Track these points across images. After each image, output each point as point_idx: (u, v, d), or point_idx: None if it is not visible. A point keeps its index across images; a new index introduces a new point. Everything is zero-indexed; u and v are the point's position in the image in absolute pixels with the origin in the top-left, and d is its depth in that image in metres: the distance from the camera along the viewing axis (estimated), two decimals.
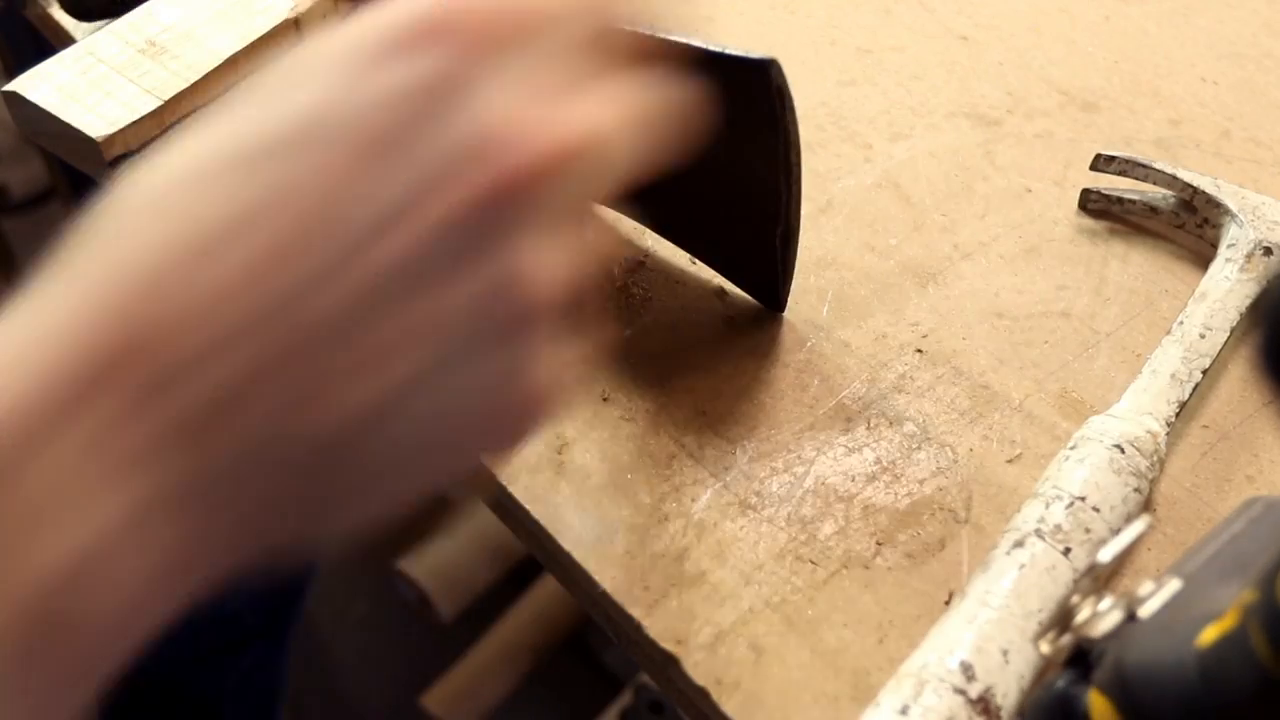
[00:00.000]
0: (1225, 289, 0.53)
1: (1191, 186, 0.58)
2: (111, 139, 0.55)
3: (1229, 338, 0.52)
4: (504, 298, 0.23)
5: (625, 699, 1.20)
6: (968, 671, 0.38)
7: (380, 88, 0.22)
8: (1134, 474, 0.45)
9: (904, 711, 0.38)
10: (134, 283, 0.21)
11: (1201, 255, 0.59)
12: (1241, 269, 0.54)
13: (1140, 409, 0.48)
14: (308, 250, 0.21)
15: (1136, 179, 0.60)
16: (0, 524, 0.20)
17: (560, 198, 0.23)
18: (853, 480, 0.48)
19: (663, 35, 0.46)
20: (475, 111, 0.22)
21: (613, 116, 0.24)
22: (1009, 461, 0.49)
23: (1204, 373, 0.50)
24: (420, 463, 0.24)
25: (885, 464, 0.49)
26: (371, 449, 0.23)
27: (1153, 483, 0.46)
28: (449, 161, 0.22)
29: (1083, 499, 0.43)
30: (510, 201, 0.22)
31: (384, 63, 0.22)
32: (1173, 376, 0.50)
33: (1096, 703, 0.34)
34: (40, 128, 0.57)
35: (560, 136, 0.22)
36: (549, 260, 0.23)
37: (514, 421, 0.24)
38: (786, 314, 0.55)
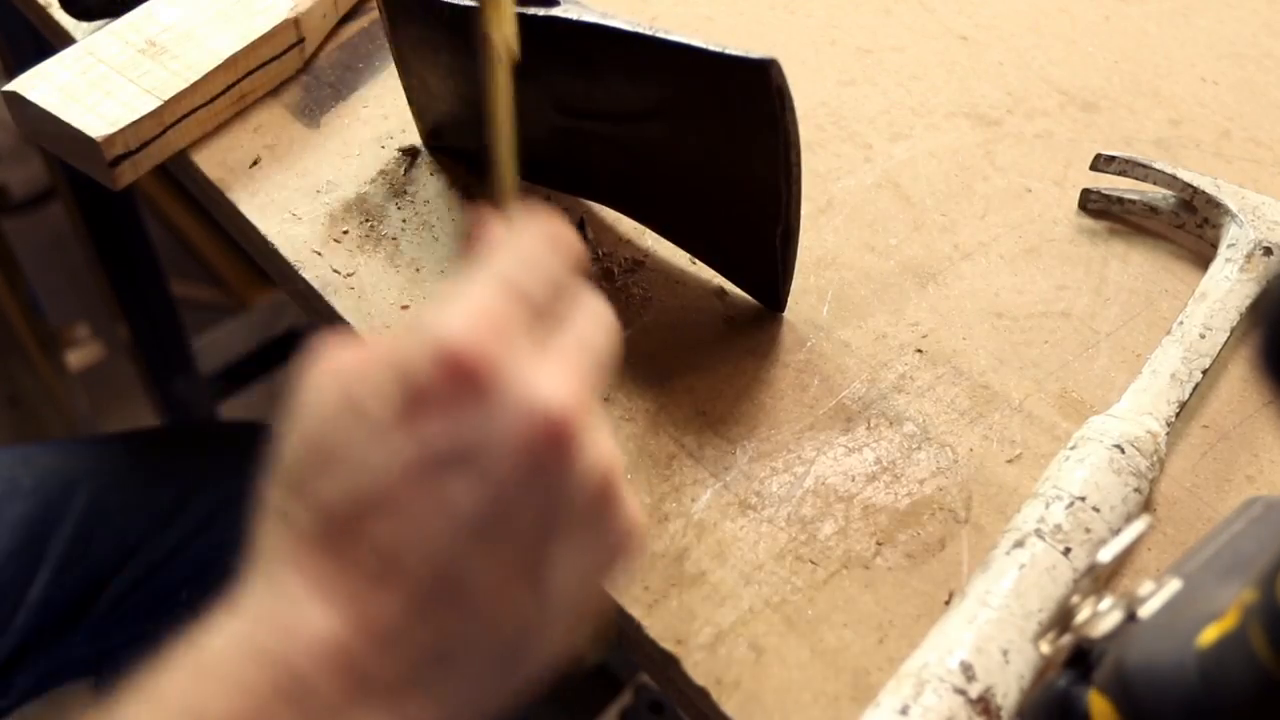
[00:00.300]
0: (1225, 289, 0.53)
1: (1191, 186, 0.58)
2: (111, 139, 0.55)
3: (1229, 338, 0.52)
4: (579, 503, 0.31)
5: (625, 699, 1.20)
6: (968, 671, 0.38)
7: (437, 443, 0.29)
8: (1134, 474, 0.45)
9: (904, 711, 0.38)
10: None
11: (1201, 255, 0.59)
12: (1241, 269, 0.54)
13: (1140, 409, 0.48)
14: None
15: (1136, 179, 0.60)
16: None
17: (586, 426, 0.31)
18: (853, 480, 0.48)
19: (663, 36, 0.46)
20: (505, 416, 0.29)
21: (596, 334, 0.33)
22: (1009, 461, 0.49)
23: (1204, 373, 0.50)
24: (565, 625, 0.32)
25: (885, 464, 0.49)
26: (528, 638, 0.31)
27: (1153, 483, 0.46)
28: (503, 455, 0.29)
29: (1083, 499, 0.43)
30: (559, 454, 0.30)
31: (420, 418, 0.29)
32: (1173, 376, 0.50)
33: (1096, 703, 0.34)
34: (40, 128, 0.57)
35: (568, 395, 0.30)
36: (603, 451, 0.31)
37: (618, 561, 0.33)
38: (786, 314, 0.55)
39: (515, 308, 0.31)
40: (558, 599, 0.31)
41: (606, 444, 0.32)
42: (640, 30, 0.47)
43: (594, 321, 0.33)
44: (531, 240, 0.33)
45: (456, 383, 0.29)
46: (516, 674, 0.32)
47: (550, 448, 0.29)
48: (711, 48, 0.45)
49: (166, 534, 0.75)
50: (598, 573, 0.32)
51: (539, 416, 0.29)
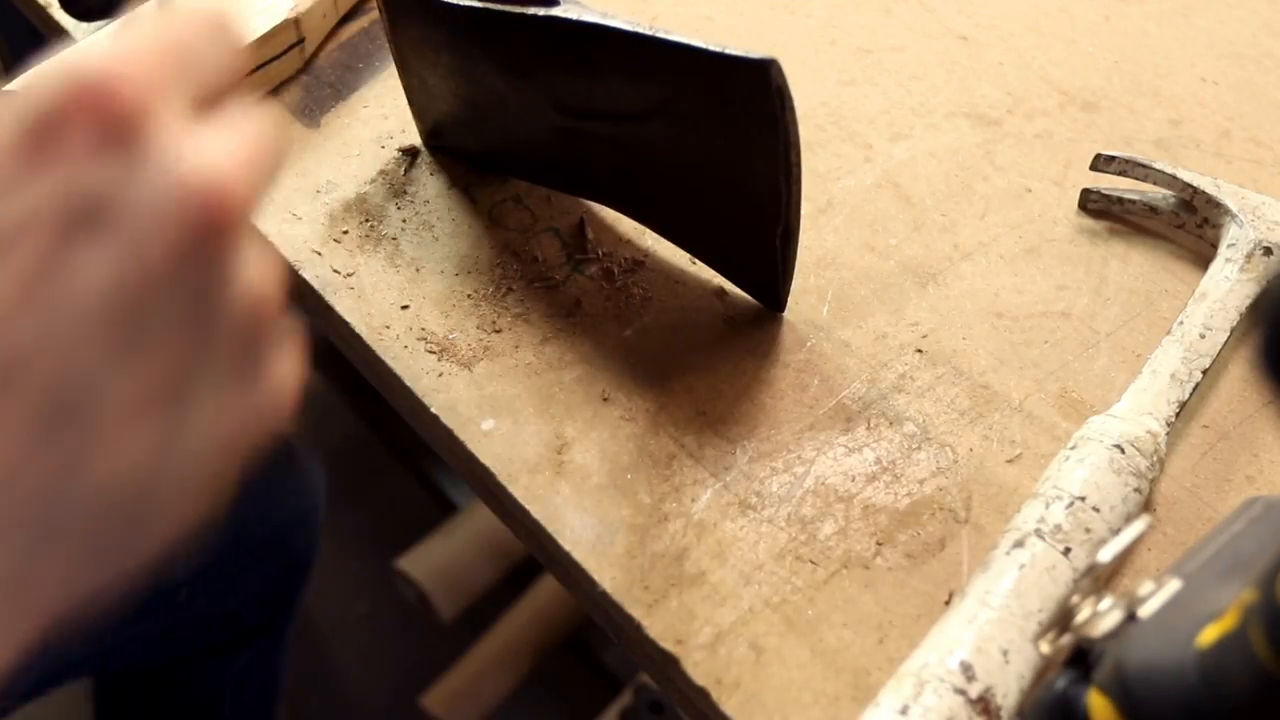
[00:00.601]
0: (1225, 289, 0.53)
1: (1191, 186, 0.58)
2: None
3: (1229, 338, 0.52)
4: (229, 329, 0.25)
5: (625, 699, 1.20)
6: (968, 671, 0.38)
7: (45, 189, 0.23)
8: (1134, 474, 0.45)
9: (904, 711, 0.38)
10: None
11: (1201, 255, 0.59)
12: (1241, 269, 0.54)
13: (1140, 409, 0.48)
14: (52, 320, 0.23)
15: (1136, 179, 0.60)
16: None
17: (246, 222, 0.25)
18: (853, 480, 0.48)
19: (663, 36, 0.46)
20: (153, 174, 0.23)
21: (254, 141, 0.26)
22: (1009, 461, 0.49)
23: (1204, 373, 0.50)
24: (196, 483, 0.27)
25: (885, 464, 0.49)
26: (154, 487, 0.25)
27: (1153, 483, 0.46)
28: (149, 227, 0.23)
29: (1083, 499, 0.43)
30: (211, 244, 0.24)
31: (40, 159, 0.23)
32: (1173, 376, 0.50)
33: (1096, 703, 0.34)
34: None
35: (232, 173, 0.24)
36: (261, 280, 0.26)
37: (265, 422, 0.27)
38: (786, 314, 0.55)
39: (174, 61, 0.25)
40: (194, 447, 0.25)
41: (266, 274, 0.26)
42: (640, 30, 0.47)
43: (259, 120, 0.27)
44: (198, 17, 0.26)
45: (96, 122, 0.23)
46: (138, 536, 0.26)
47: (203, 231, 0.23)
48: (711, 47, 0.45)
49: None
50: (239, 430, 0.27)
51: (193, 187, 0.23)
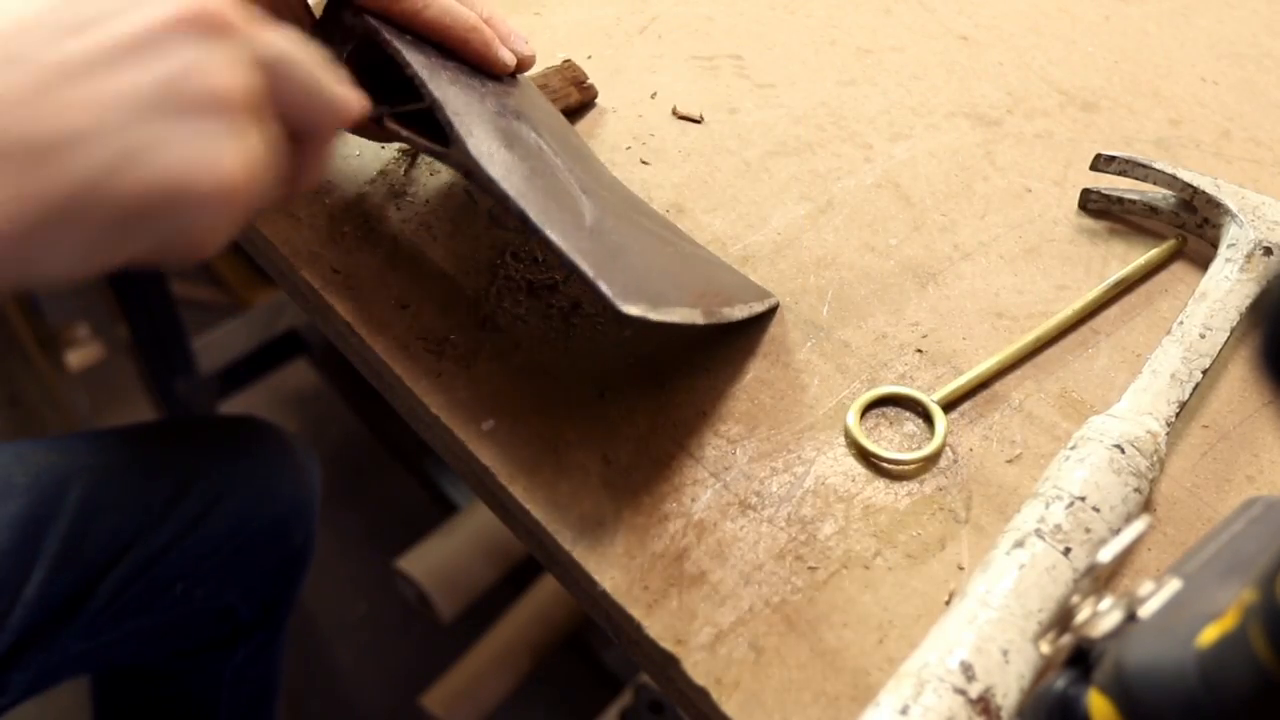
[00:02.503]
0: (1225, 289, 0.53)
1: (1191, 186, 0.58)
2: None
3: (1229, 338, 0.52)
4: (186, 82, 0.33)
5: (625, 699, 1.20)
6: (968, 671, 0.38)
7: None
8: (1134, 474, 0.45)
9: (904, 711, 0.38)
10: None
11: (1202, 255, 0.59)
12: (1241, 269, 0.54)
13: (1140, 409, 0.48)
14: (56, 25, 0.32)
15: (1136, 179, 0.60)
16: None
17: (237, 46, 0.34)
18: (853, 480, 0.48)
19: (547, 234, 0.44)
20: None
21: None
22: (1009, 461, 0.49)
23: (1204, 373, 0.50)
24: (142, 203, 0.32)
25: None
26: (105, 184, 0.31)
27: (1153, 483, 0.46)
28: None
29: (1083, 499, 0.43)
30: (194, 26, 0.33)
31: None
32: (1173, 376, 0.50)
33: (1096, 703, 0.34)
34: None
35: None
36: (224, 68, 0.33)
37: (210, 186, 0.33)
38: (786, 314, 0.55)
39: None
40: (130, 145, 0.31)
41: (241, 75, 0.34)
42: (530, 218, 0.45)
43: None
44: None
45: None
46: (49, 185, 0.31)
47: (193, 23, 0.33)
48: (584, 269, 0.43)
49: (161, 529, 0.75)
50: (182, 182, 0.32)
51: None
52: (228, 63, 0.34)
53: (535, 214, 0.45)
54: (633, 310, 0.42)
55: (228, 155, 0.33)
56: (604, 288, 0.42)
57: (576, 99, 0.65)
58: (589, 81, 0.66)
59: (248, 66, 0.35)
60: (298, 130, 0.39)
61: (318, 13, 0.52)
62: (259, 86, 0.35)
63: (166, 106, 0.32)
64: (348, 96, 0.40)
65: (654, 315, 0.43)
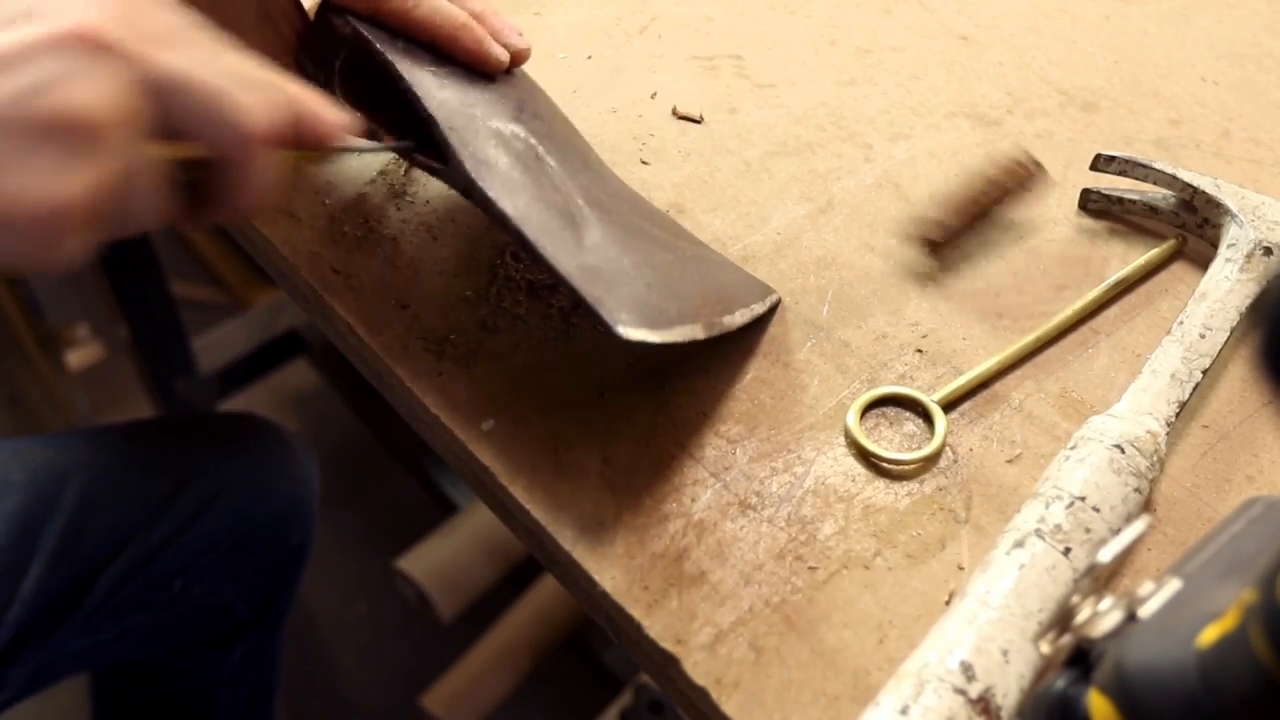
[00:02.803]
0: (1225, 289, 0.53)
1: (1191, 186, 0.58)
2: None
3: (1229, 338, 0.52)
4: (38, 99, 0.32)
5: (625, 699, 1.20)
6: (968, 671, 0.38)
7: None
8: (1134, 474, 0.45)
9: (904, 711, 0.38)
10: None
11: (1202, 255, 0.59)
12: (1241, 269, 0.54)
13: (1140, 409, 0.48)
14: None
15: (1136, 179, 0.60)
16: None
17: (117, 79, 0.33)
18: (853, 480, 0.48)
19: (542, 252, 0.44)
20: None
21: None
22: (1009, 461, 0.49)
23: (1204, 373, 0.50)
24: None
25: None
26: None
27: (1153, 483, 0.46)
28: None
29: (1083, 499, 0.43)
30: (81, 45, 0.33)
31: None
32: (1173, 376, 0.50)
33: (1096, 703, 0.34)
34: None
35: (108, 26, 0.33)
36: (90, 88, 0.33)
37: (29, 216, 0.32)
38: (786, 314, 0.55)
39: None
40: None
41: (113, 104, 0.33)
42: (528, 239, 0.45)
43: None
44: None
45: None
46: None
47: (68, 42, 0.33)
48: (584, 293, 0.43)
49: (158, 525, 0.75)
50: (19, 197, 0.32)
51: (77, 20, 0.33)
52: (98, 82, 0.33)
53: (534, 234, 0.45)
54: (634, 335, 0.42)
55: (66, 181, 0.32)
56: (605, 314, 0.43)
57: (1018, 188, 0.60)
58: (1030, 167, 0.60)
59: (126, 87, 0.34)
60: (212, 154, 0.38)
61: (316, 14, 0.52)
62: (136, 109, 0.34)
63: (11, 124, 0.32)
64: (262, 121, 0.38)
65: (655, 338, 0.43)
